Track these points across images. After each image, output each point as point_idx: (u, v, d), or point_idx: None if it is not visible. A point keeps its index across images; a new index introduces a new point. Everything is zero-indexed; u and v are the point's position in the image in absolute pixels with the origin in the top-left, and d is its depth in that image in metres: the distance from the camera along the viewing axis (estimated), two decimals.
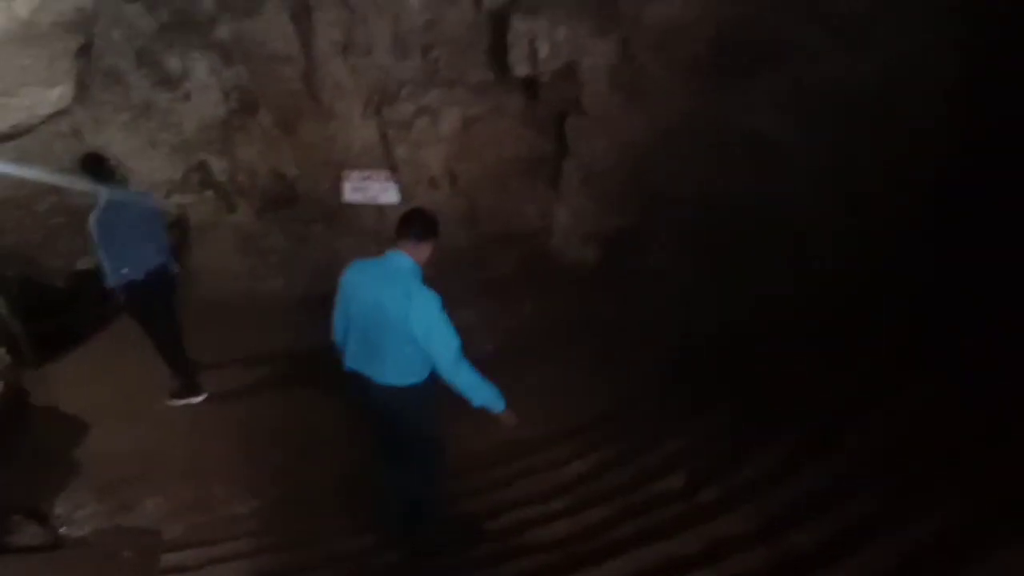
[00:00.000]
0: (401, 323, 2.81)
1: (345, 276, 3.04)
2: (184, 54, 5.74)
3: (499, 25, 5.48)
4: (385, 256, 2.94)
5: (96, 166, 4.41)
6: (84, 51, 5.73)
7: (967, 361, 3.48)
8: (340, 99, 5.91)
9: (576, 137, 5.70)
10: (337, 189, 5.83)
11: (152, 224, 4.61)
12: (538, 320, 5.51)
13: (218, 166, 6.20)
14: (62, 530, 3.85)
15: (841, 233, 4.75)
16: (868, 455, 3.25)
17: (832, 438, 3.44)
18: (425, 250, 2.94)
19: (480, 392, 2.92)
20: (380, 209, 5.76)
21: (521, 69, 5.43)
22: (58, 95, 5.91)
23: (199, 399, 4.99)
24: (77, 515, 3.98)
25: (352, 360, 3.07)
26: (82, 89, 5.83)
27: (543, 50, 5.31)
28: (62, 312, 5.63)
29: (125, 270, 4.39)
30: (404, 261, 2.90)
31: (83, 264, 4.80)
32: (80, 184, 4.36)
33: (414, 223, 2.94)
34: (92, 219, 4.30)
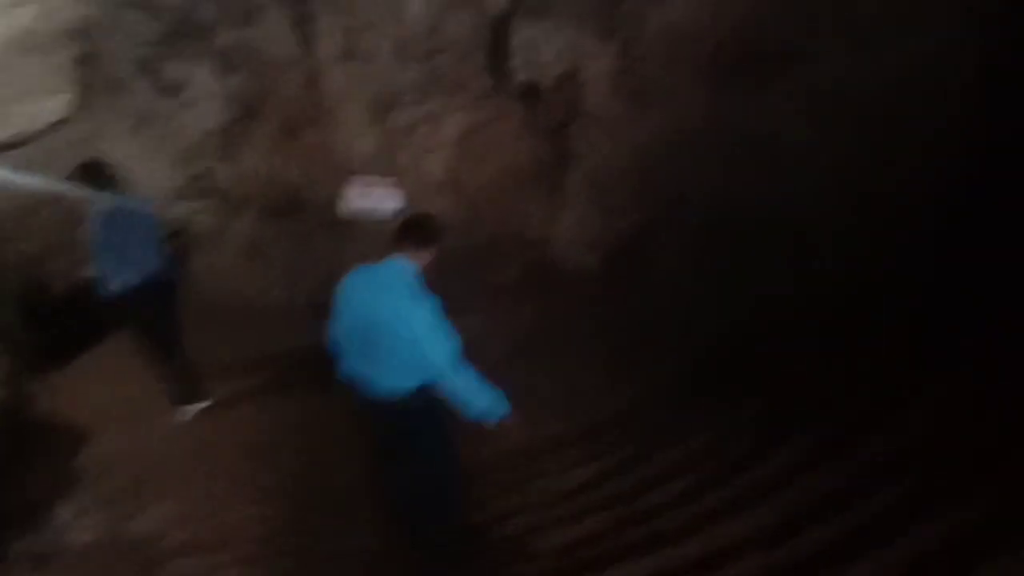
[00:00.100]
0: (399, 328, 2.82)
1: (345, 282, 3.04)
2: (186, 62, 5.76)
3: (501, 31, 5.49)
4: (385, 262, 2.94)
5: (96, 173, 4.39)
6: (86, 59, 5.77)
7: (980, 361, 3.46)
8: (342, 106, 5.92)
9: (579, 143, 5.70)
10: (339, 196, 5.83)
11: (151, 231, 4.59)
12: (542, 326, 5.50)
13: (221, 173, 6.20)
14: (62, 541, 3.82)
15: (849, 237, 4.74)
16: (876, 460, 3.23)
17: (839, 443, 3.43)
18: (425, 256, 2.95)
19: (480, 396, 2.90)
20: (382, 216, 5.75)
21: (523, 75, 5.44)
22: (60, 103, 5.96)
23: (202, 407, 4.98)
24: (79, 522, 3.95)
25: (352, 365, 3.07)
26: (84, 97, 5.87)
27: (545, 56, 5.32)
28: (65, 319, 5.62)
29: (124, 277, 4.38)
30: (403, 267, 2.91)
31: (86, 272, 4.81)
32: (80, 192, 4.36)
33: (414, 229, 2.96)
34: (91, 226, 4.30)
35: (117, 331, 5.04)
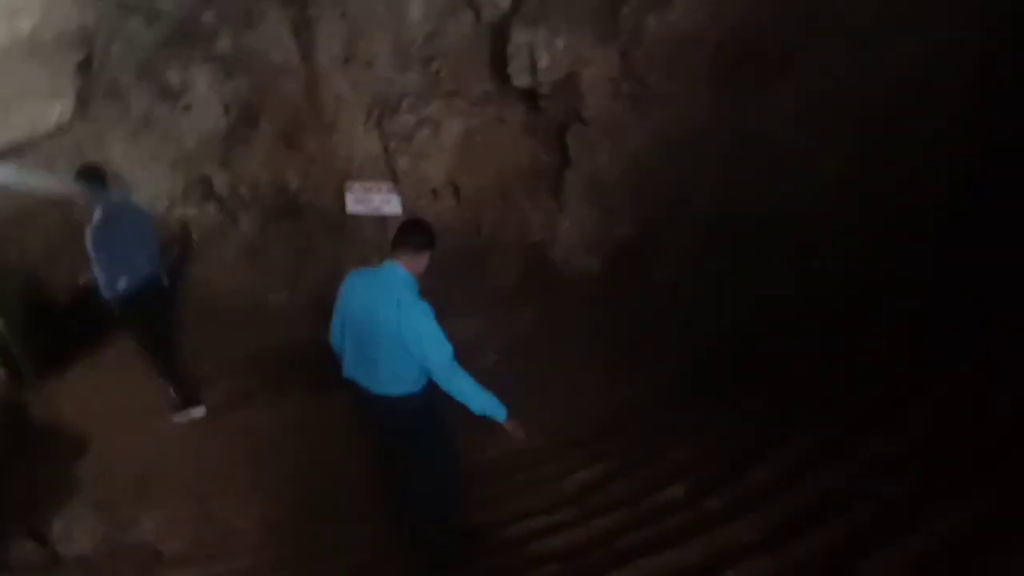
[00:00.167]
0: (393, 333, 2.84)
1: (344, 284, 3.07)
2: (184, 67, 5.76)
3: (499, 36, 5.48)
4: (382, 266, 2.97)
5: (92, 178, 4.43)
6: (85, 65, 5.78)
7: (980, 361, 3.45)
8: (341, 111, 5.92)
9: (578, 147, 5.69)
10: (340, 201, 5.82)
11: (146, 236, 4.63)
12: (543, 330, 5.49)
13: (220, 179, 6.20)
14: (59, 548, 3.81)
15: (849, 237, 4.73)
16: (876, 460, 3.21)
17: (840, 443, 3.41)
18: (422, 261, 2.97)
19: (477, 399, 2.92)
20: (383, 220, 5.75)
21: (521, 80, 5.42)
22: (60, 109, 5.97)
23: (200, 411, 4.96)
24: (75, 532, 3.94)
25: (350, 369, 3.09)
26: (83, 103, 5.87)
27: (543, 60, 5.30)
28: (66, 323, 5.62)
29: (120, 281, 4.40)
30: (399, 272, 2.93)
31: (85, 279, 4.81)
32: (78, 197, 4.39)
33: (410, 234, 2.97)
34: (88, 231, 4.31)
35: (116, 335, 5.03)
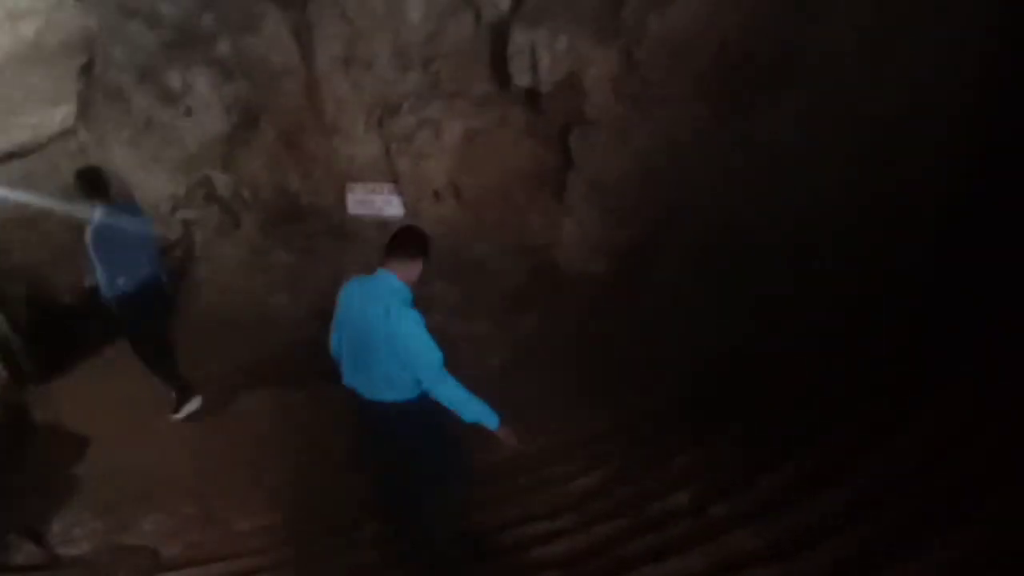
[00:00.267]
0: (385, 341, 2.85)
1: (342, 292, 3.08)
2: (185, 70, 5.78)
3: (500, 36, 5.46)
4: (376, 275, 2.97)
5: (92, 180, 4.47)
6: (87, 69, 5.81)
7: (981, 363, 3.39)
8: (342, 113, 5.91)
9: (581, 148, 5.66)
10: (341, 203, 5.83)
11: (146, 236, 4.68)
12: (547, 332, 5.46)
13: (222, 181, 6.21)
14: (59, 549, 3.80)
15: (850, 241, 4.68)
16: (885, 474, 3.16)
17: (848, 456, 3.37)
18: (414, 268, 2.97)
19: (467, 407, 2.92)
20: (384, 222, 5.75)
21: (522, 80, 5.40)
22: (63, 114, 6.00)
23: (196, 403, 4.97)
24: (74, 533, 3.94)
25: (348, 376, 3.10)
26: (85, 107, 5.90)
27: (544, 61, 5.28)
28: (67, 328, 5.63)
29: (120, 281, 4.44)
30: (390, 280, 2.93)
31: (90, 281, 4.84)
32: (77, 203, 4.44)
33: (403, 242, 2.98)
34: (88, 232, 4.37)
35: (116, 339, 5.05)
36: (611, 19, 5.27)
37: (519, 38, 5.31)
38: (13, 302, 5.42)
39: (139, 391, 4.99)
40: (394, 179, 5.85)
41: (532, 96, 5.60)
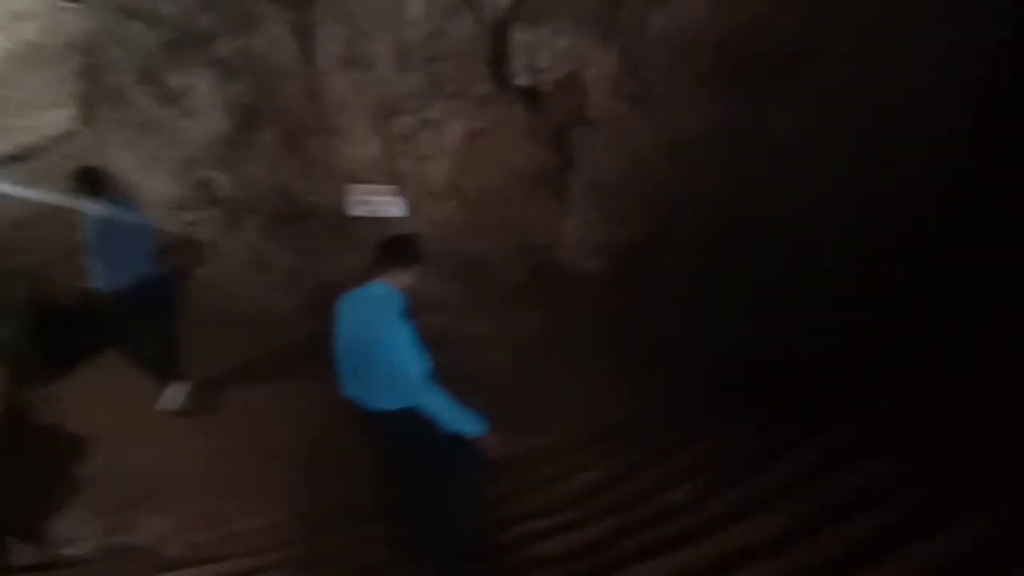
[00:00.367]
0: (379, 349, 2.89)
1: (338, 306, 3.10)
2: (186, 71, 5.77)
3: (500, 36, 5.48)
4: (369, 284, 3.01)
5: (90, 179, 4.49)
6: (88, 71, 5.81)
7: (993, 372, 3.39)
8: (343, 113, 5.91)
9: (581, 148, 5.67)
10: (342, 203, 5.81)
11: (144, 234, 4.69)
12: (549, 331, 5.46)
13: (222, 182, 6.20)
14: (62, 550, 3.79)
15: (852, 240, 4.68)
16: (885, 468, 3.16)
17: (848, 451, 3.37)
18: (407, 276, 2.99)
19: (449, 416, 2.94)
20: (386, 223, 5.74)
21: (522, 80, 5.42)
22: (65, 115, 6.00)
23: (185, 393, 4.98)
24: (77, 534, 3.94)
25: (348, 388, 3.14)
26: (87, 109, 5.90)
27: (544, 60, 5.31)
28: (70, 330, 5.63)
29: (117, 278, 4.46)
30: (382, 290, 2.97)
31: (90, 282, 4.85)
32: (76, 204, 4.47)
33: (393, 251, 3.00)
34: (86, 230, 4.40)
35: (118, 339, 5.05)
36: (611, 19, 5.28)
37: (519, 38, 5.33)
38: (15, 303, 5.41)
39: (141, 392, 4.98)
40: (395, 179, 5.84)
41: (532, 96, 5.62)
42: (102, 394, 5.05)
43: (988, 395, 3.24)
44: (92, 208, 4.41)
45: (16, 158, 5.71)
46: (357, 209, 5.66)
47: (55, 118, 5.92)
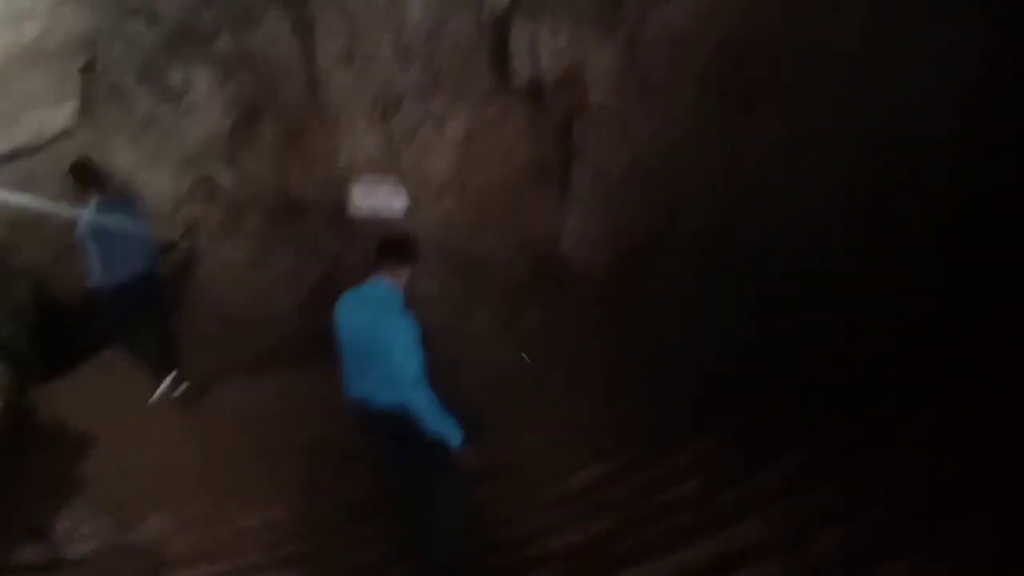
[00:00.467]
0: (383, 343, 2.92)
1: (338, 308, 3.14)
2: (187, 68, 5.76)
3: (502, 31, 5.46)
4: (368, 282, 3.06)
5: (84, 172, 4.54)
6: (88, 68, 5.80)
7: (993, 373, 3.37)
8: (344, 109, 5.91)
9: (584, 143, 5.66)
10: (344, 199, 5.82)
11: (140, 228, 4.71)
12: (552, 326, 5.47)
13: (223, 180, 6.20)
14: (64, 549, 3.80)
15: (858, 246, 4.65)
16: (890, 467, 3.14)
17: (852, 449, 3.35)
18: (404, 273, 3.06)
19: (434, 419, 2.97)
20: (388, 218, 5.74)
21: (523, 75, 5.41)
22: (65, 113, 5.99)
23: (179, 382, 5.01)
24: (79, 533, 3.92)
25: (351, 387, 3.17)
26: (87, 107, 5.89)
27: (545, 55, 5.30)
28: (72, 328, 5.64)
29: (113, 275, 4.50)
30: (383, 286, 3.03)
31: (91, 279, 4.87)
32: (77, 201, 4.48)
33: (390, 249, 3.07)
34: (82, 224, 4.42)
35: (113, 334, 5.07)
36: (611, 13, 5.27)
37: (520, 33, 5.33)
38: (16, 302, 5.42)
39: (142, 391, 5.00)
40: (397, 175, 5.85)
41: (534, 91, 5.61)
42: (103, 393, 5.07)
43: (988, 395, 3.22)
44: (88, 201, 4.45)
45: (18, 156, 5.71)
46: (358, 204, 5.67)
47: (55, 116, 5.91)
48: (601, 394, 4.70)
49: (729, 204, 5.01)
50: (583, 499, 3.70)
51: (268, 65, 5.81)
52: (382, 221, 5.73)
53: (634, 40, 5.24)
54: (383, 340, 2.92)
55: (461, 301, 5.55)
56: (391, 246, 3.08)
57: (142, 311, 4.79)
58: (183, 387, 5.06)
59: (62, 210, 5.04)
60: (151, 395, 4.98)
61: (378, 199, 5.75)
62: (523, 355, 5.24)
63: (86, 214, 4.43)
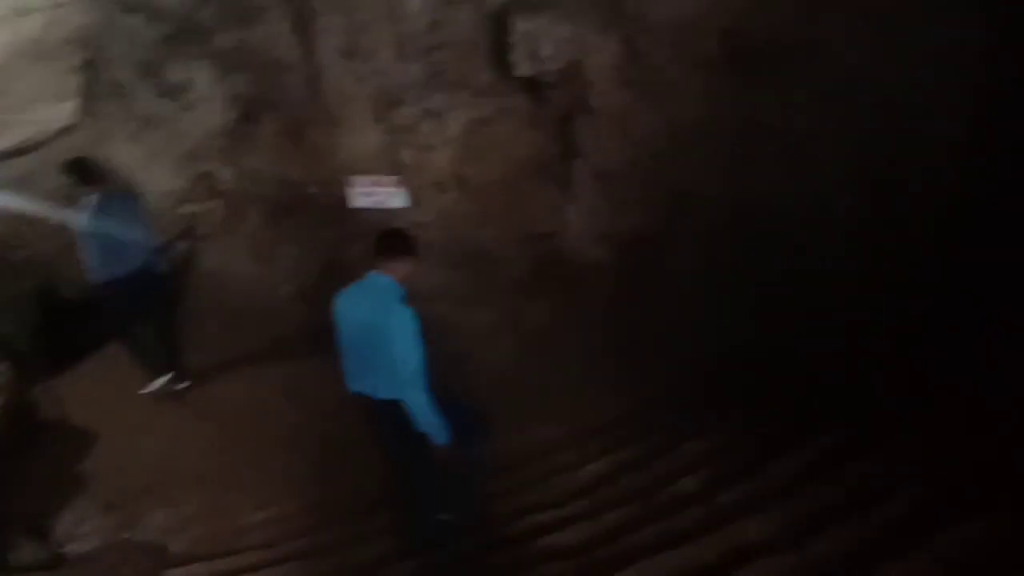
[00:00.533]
0: (384, 337, 2.93)
1: (336, 304, 3.15)
2: (187, 64, 5.74)
3: (501, 25, 5.42)
4: (366, 277, 3.07)
5: (81, 169, 4.55)
6: (88, 65, 5.79)
7: (993, 373, 3.34)
8: (345, 105, 5.88)
9: (585, 137, 5.62)
10: (345, 195, 5.79)
11: (138, 223, 4.72)
12: (555, 321, 5.44)
13: (225, 175, 6.19)
14: (65, 547, 3.80)
15: (868, 232, 4.63)
16: (898, 461, 3.13)
17: (861, 444, 3.33)
18: (403, 267, 3.06)
19: (425, 418, 2.99)
20: (389, 214, 5.71)
21: (524, 69, 5.37)
22: (67, 110, 5.98)
23: (166, 379, 5.05)
24: (81, 530, 3.94)
25: (353, 381, 3.18)
26: (88, 103, 5.88)
27: (545, 49, 5.26)
28: (74, 324, 5.64)
29: (111, 269, 4.51)
30: (383, 280, 3.03)
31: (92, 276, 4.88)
32: (76, 197, 4.49)
33: (390, 243, 3.07)
34: (80, 219, 4.44)
35: (113, 328, 5.08)
36: (612, 6, 5.23)
37: (520, 27, 5.28)
38: (19, 298, 5.43)
39: (143, 387, 5.00)
40: (397, 170, 5.81)
41: (534, 85, 5.57)
42: (104, 390, 5.07)
43: (988, 395, 3.19)
44: (86, 197, 4.46)
45: (17, 153, 5.70)
46: (359, 201, 5.64)
47: (56, 113, 5.91)
48: (606, 387, 4.69)
49: (734, 194, 4.98)
50: (590, 493, 3.69)
51: (268, 61, 5.78)
52: (382, 216, 5.70)
53: (635, 30, 5.20)
54: (383, 333, 2.91)
55: (462, 297, 5.52)
56: (389, 240, 3.07)
57: (142, 307, 4.80)
58: (184, 384, 5.08)
59: (61, 207, 5.04)
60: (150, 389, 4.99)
61: (378, 195, 5.71)
62: None
63: (84, 210, 4.44)
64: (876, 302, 4.28)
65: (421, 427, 2.99)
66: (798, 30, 4.76)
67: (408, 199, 5.64)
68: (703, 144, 5.16)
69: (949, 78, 4.32)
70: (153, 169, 6.00)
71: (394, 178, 5.67)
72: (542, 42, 5.25)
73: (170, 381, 5.07)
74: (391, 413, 3.04)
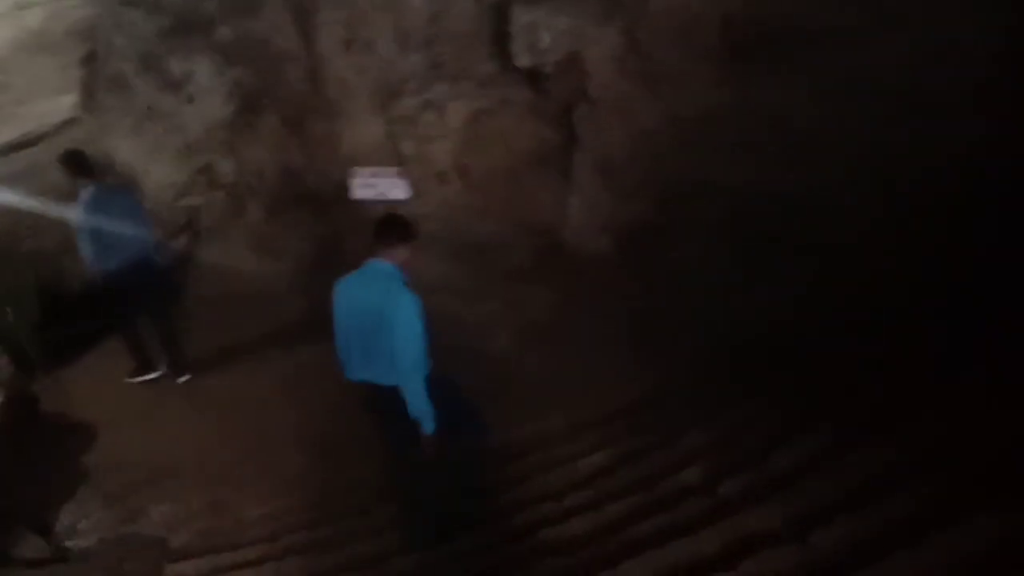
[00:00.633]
0: (385, 324, 2.91)
1: (335, 295, 3.13)
2: (187, 57, 5.75)
3: (501, 16, 5.41)
4: (366, 264, 3.05)
5: (76, 161, 4.53)
6: (90, 58, 5.80)
7: (993, 373, 3.30)
8: (345, 96, 5.88)
9: (586, 127, 5.60)
10: (346, 186, 5.79)
11: (135, 215, 4.71)
12: (558, 311, 5.43)
13: (226, 167, 6.20)
14: (67, 542, 3.80)
15: (872, 224, 4.59)
16: (903, 454, 3.10)
17: (866, 436, 3.30)
18: (403, 253, 3.04)
19: (420, 406, 2.99)
20: (390, 206, 5.70)
21: (523, 60, 5.36)
22: (68, 103, 6.00)
23: (156, 375, 5.08)
24: (83, 525, 3.94)
25: (355, 370, 3.15)
26: (89, 96, 5.89)
27: (545, 40, 5.24)
28: (76, 318, 5.65)
29: (108, 261, 4.51)
30: (383, 266, 3.01)
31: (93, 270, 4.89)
32: (68, 201, 4.53)
33: (389, 229, 3.05)
34: (77, 212, 4.44)
35: (116, 323, 5.08)
36: None
37: (520, 18, 5.27)
38: (21, 290, 5.43)
39: (144, 381, 5.00)
40: (398, 161, 5.81)
41: (535, 75, 5.56)
42: (108, 382, 5.08)
43: (988, 395, 3.17)
44: (82, 188, 4.45)
45: (18, 146, 5.71)
46: (360, 192, 5.64)
47: (59, 106, 5.92)
48: (607, 378, 4.66)
49: (736, 184, 4.95)
50: (591, 484, 3.67)
51: (269, 53, 5.79)
52: (383, 208, 5.69)
53: (636, 20, 5.18)
54: (387, 319, 2.89)
55: (463, 288, 5.51)
56: (388, 226, 3.05)
57: (141, 299, 4.80)
58: (184, 377, 5.07)
59: (59, 201, 5.05)
60: (159, 386, 5.02)
61: (379, 186, 5.70)
62: None
63: (80, 202, 4.44)
64: (875, 303, 4.25)
65: (412, 412, 2.98)
66: (800, 20, 4.73)
67: (409, 190, 5.64)
68: (705, 135, 5.14)
69: (956, 72, 4.28)
70: (154, 161, 6.02)
71: (395, 169, 5.67)
72: (542, 33, 5.24)
73: (169, 375, 5.07)
74: (394, 400, 3.02)
